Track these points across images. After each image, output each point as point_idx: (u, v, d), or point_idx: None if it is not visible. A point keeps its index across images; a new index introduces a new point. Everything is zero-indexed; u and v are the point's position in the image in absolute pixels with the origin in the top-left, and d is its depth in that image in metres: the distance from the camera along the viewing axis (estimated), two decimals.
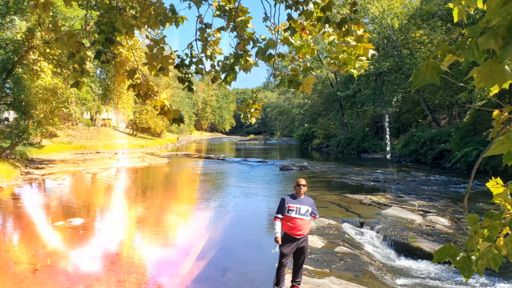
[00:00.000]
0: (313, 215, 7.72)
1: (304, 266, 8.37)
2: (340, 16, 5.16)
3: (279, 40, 5.26)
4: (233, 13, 5.27)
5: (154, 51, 4.99)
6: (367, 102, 52.84)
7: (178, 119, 4.82)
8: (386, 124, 39.46)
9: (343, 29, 5.12)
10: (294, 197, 7.68)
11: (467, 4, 2.63)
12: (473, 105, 35.26)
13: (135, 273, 9.47)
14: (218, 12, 5.37)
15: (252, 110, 5.61)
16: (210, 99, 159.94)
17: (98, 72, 37.37)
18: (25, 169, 28.54)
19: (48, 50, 26.16)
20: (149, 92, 4.94)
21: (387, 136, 38.76)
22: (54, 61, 27.41)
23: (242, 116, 5.66)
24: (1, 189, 20.90)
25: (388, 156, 32.48)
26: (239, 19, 5.26)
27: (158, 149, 63.38)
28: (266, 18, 5.32)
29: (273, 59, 5.17)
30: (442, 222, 14.37)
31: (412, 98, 49.48)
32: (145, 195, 22.07)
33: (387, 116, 40.98)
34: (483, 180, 3.06)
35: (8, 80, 27.95)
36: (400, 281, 9.68)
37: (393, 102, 49.67)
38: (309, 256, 10.18)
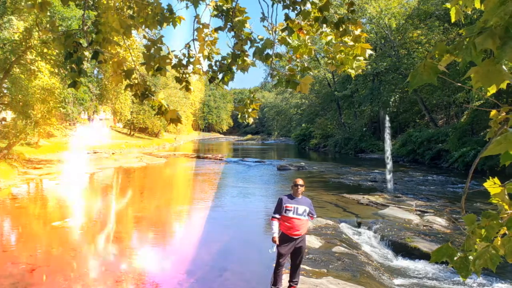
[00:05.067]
0: (310, 215, 7.71)
1: (302, 266, 8.37)
2: (338, 16, 5.15)
3: (276, 40, 5.26)
4: (231, 13, 5.26)
5: (152, 51, 4.98)
6: (364, 102, 52.90)
7: (175, 119, 4.81)
8: (387, 125, 39.46)
9: (341, 29, 5.12)
10: (291, 197, 7.68)
11: (464, 4, 2.63)
12: (471, 105, 35.29)
13: (133, 273, 9.46)
14: (215, 12, 5.36)
15: (250, 110, 5.61)
16: (208, 99, 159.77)
17: (95, 72, 37.38)
18: (22, 169, 28.47)
19: (45, 50, 26.10)
20: (147, 92, 4.93)
21: (388, 139, 38.76)
22: (52, 61, 27.32)
23: (239, 116, 5.66)
24: None
25: (388, 158, 32.55)
26: (236, 19, 5.26)
27: (156, 149, 63.27)
28: (263, 18, 5.31)
29: (271, 59, 5.17)
30: (439, 222, 14.39)
31: (409, 98, 49.57)
32: (142, 195, 22.05)
33: (387, 118, 41.02)
34: (481, 180, 3.06)
35: (6, 80, 27.87)
36: (398, 281, 9.69)
37: (390, 102, 49.74)
38: (307, 256, 10.18)
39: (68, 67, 4.99)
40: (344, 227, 13.96)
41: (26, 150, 37.22)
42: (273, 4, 5.19)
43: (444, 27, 41.16)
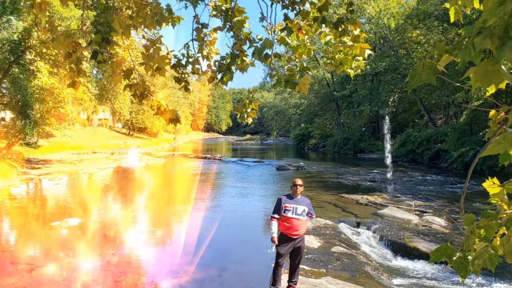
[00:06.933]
0: (309, 215, 7.72)
1: (301, 266, 8.38)
2: (337, 16, 5.15)
3: (275, 40, 5.26)
4: (230, 13, 5.26)
5: (151, 51, 4.98)
6: (363, 102, 52.97)
7: (174, 119, 4.80)
8: (386, 125, 39.61)
9: (340, 29, 5.12)
10: (290, 197, 7.68)
11: (463, 4, 2.63)
12: (470, 105, 35.33)
13: (132, 273, 9.46)
14: (214, 12, 5.36)
15: (249, 110, 5.60)
16: (207, 99, 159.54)
17: (94, 72, 37.35)
18: (21, 169, 28.45)
19: (44, 50, 26.11)
20: (146, 92, 4.93)
21: (388, 141, 38.90)
22: (51, 61, 27.32)
23: (238, 116, 5.66)
24: None
25: (389, 159, 32.52)
26: (235, 19, 5.25)
27: (155, 149, 63.21)
28: (262, 18, 5.31)
29: (270, 59, 5.17)
30: (438, 222, 14.40)
31: (408, 98, 49.59)
32: (141, 195, 22.04)
33: (387, 118, 41.12)
34: (480, 180, 3.06)
35: (5, 80, 27.85)
36: (397, 281, 9.69)
37: (389, 102, 49.76)
38: (306, 256, 10.19)
39: (67, 67, 4.98)
40: (343, 227, 13.96)
41: (25, 150, 37.23)
42: (272, 4, 5.18)
43: (443, 27, 41.20)
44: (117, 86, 32.09)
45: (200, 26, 5.48)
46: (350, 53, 5.23)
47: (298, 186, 7.66)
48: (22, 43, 25.93)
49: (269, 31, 5.35)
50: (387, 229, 13.28)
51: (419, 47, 46.51)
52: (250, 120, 5.66)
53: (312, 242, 11.55)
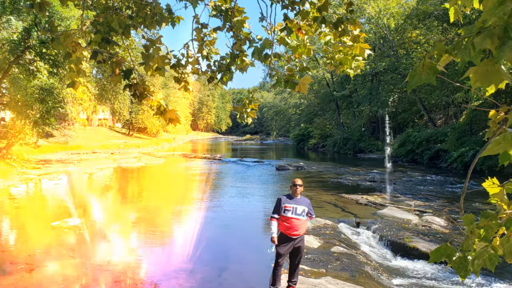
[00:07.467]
0: (309, 215, 7.72)
1: (300, 266, 8.37)
2: (336, 16, 5.15)
3: (275, 40, 5.25)
4: (229, 13, 5.26)
5: (150, 51, 4.98)
6: (363, 102, 52.98)
7: (174, 119, 4.80)
8: (387, 125, 39.67)
9: (339, 29, 5.11)
10: (290, 197, 7.68)
11: (463, 4, 2.63)
12: (469, 105, 35.32)
13: (132, 273, 9.46)
14: (214, 12, 5.35)
15: (248, 110, 5.60)
16: (207, 99, 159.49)
17: (94, 72, 37.34)
18: (21, 169, 28.45)
19: (44, 50, 26.09)
20: (145, 92, 4.93)
21: (388, 140, 38.94)
22: (50, 61, 27.31)
23: (238, 116, 5.66)
24: None
25: (388, 160, 32.42)
26: (235, 19, 5.25)
27: (155, 149, 63.19)
28: (262, 18, 5.30)
29: (269, 59, 5.16)
30: (438, 222, 14.40)
31: (408, 98, 49.53)
32: (141, 195, 22.04)
33: (387, 118, 41.16)
34: (479, 180, 3.06)
35: (5, 80, 27.83)
36: (396, 281, 9.69)
37: (389, 102, 49.76)
38: (305, 256, 10.18)
39: (67, 67, 4.98)
40: (343, 227, 13.96)
41: (25, 150, 37.20)
42: (272, 4, 5.18)
43: (442, 27, 41.18)
44: (117, 86, 32.10)
45: (200, 26, 5.48)
46: (350, 53, 5.22)
47: (297, 186, 7.66)
48: (22, 43, 25.90)
49: (269, 31, 5.34)
50: (387, 229, 13.28)
51: (418, 47, 46.49)
52: (249, 120, 5.66)
53: (312, 242, 11.55)
